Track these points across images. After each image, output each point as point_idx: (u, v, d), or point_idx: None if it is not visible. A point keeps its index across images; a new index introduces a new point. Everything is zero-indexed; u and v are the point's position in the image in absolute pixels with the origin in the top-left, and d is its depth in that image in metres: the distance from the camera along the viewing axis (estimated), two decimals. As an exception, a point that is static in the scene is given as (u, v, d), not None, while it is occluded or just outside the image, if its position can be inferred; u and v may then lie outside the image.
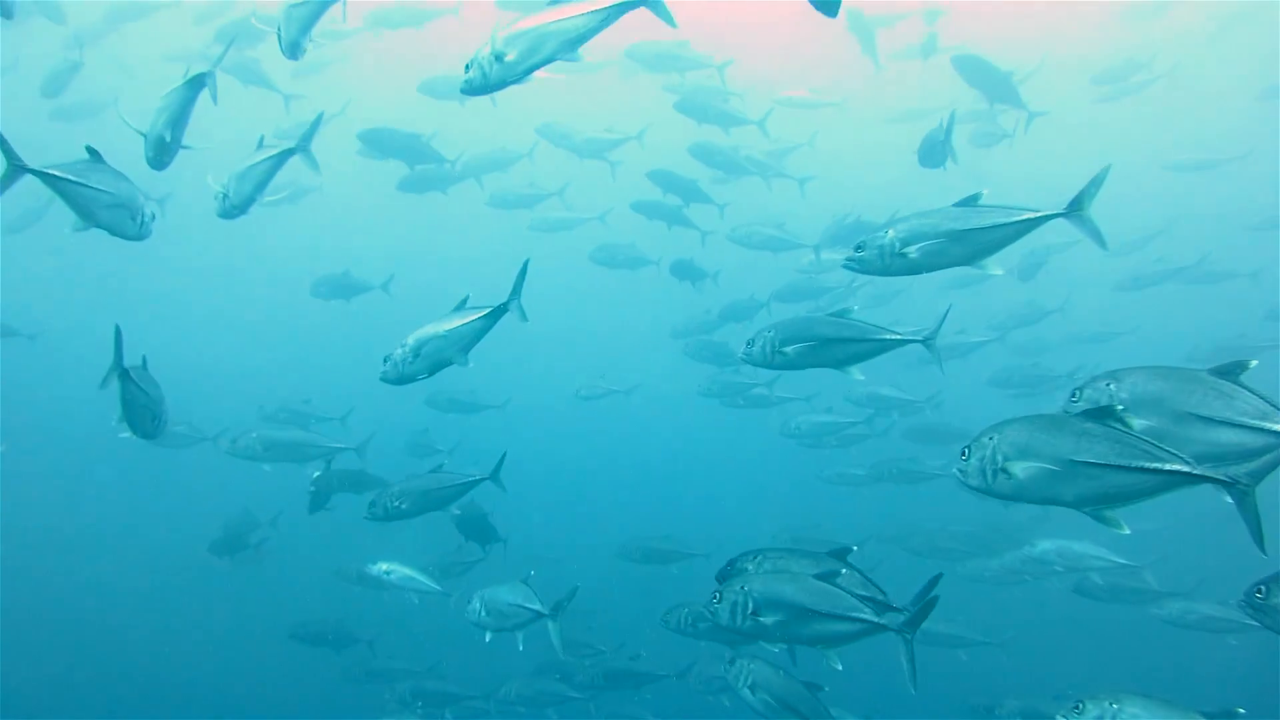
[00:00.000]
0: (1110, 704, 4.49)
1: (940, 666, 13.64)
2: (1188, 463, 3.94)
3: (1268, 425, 4.01)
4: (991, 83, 12.55)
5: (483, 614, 8.01)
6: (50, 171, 5.74)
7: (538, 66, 5.34)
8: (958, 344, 14.10)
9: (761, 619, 5.00)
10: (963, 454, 4.40)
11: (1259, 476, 3.94)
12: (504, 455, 8.34)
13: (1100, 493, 4.07)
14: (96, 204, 5.93)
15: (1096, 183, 5.17)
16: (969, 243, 5.35)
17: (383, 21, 16.11)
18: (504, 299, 6.45)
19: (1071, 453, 4.04)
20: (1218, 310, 16.77)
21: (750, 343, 6.21)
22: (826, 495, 14.57)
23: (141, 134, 6.54)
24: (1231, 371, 4.17)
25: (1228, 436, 4.07)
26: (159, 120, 6.55)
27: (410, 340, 6.46)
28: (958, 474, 4.44)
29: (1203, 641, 11.50)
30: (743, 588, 5.11)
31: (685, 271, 14.00)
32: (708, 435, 21.83)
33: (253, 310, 26.53)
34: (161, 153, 6.61)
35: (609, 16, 5.21)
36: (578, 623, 12.46)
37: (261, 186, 6.98)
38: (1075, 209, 5.27)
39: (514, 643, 8.33)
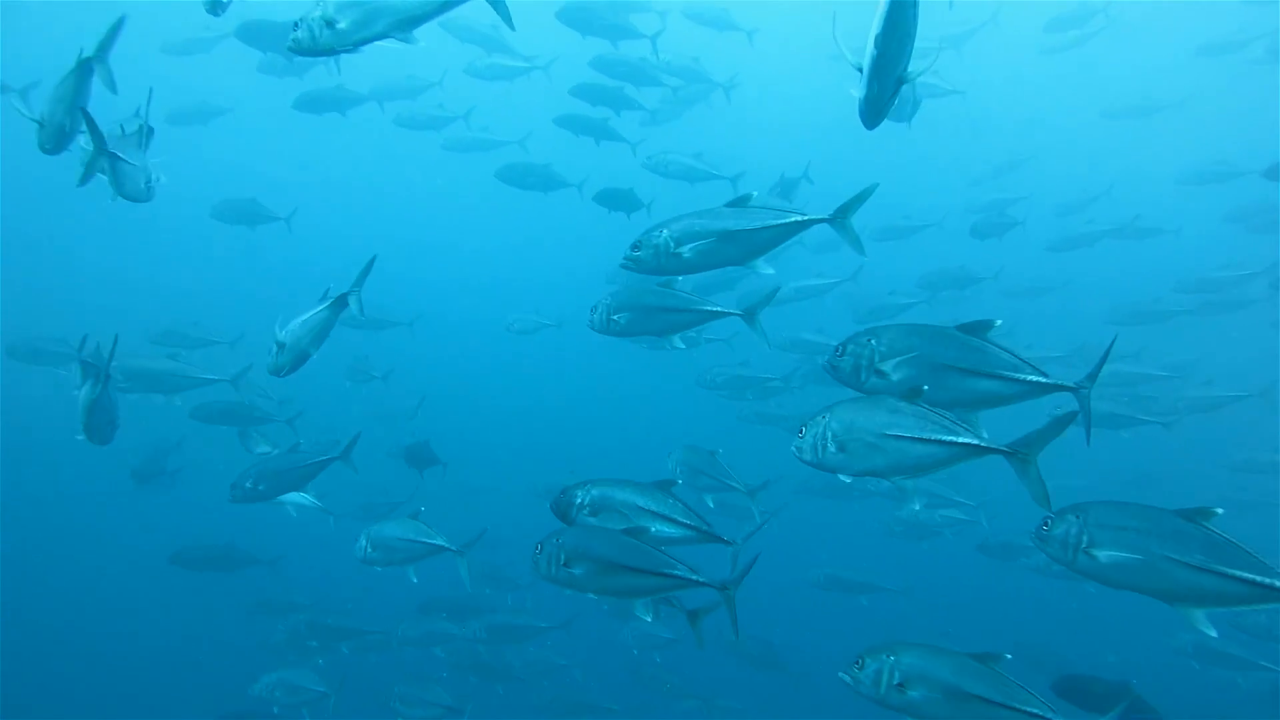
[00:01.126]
0: (888, 656, 4.67)
1: (844, 610, 14.04)
2: (979, 436, 4.54)
3: (1021, 376, 4.63)
4: None
5: (369, 551, 8.06)
6: (116, 154, 6.17)
7: (370, 40, 5.33)
8: (887, 304, 14.11)
9: (573, 570, 5.21)
10: (800, 431, 4.80)
11: (1040, 446, 4.48)
12: (358, 435, 8.64)
13: (907, 463, 4.62)
14: (130, 177, 6.33)
15: (861, 197, 5.47)
16: (739, 243, 5.67)
17: None
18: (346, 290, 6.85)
19: (885, 428, 4.58)
20: (1145, 267, 17.05)
21: (592, 310, 6.52)
22: (748, 436, 14.67)
23: (37, 121, 6.45)
24: (978, 329, 4.73)
25: (985, 386, 4.67)
26: (58, 109, 6.40)
27: (278, 334, 6.84)
28: (794, 451, 4.84)
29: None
30: (557, 540, 5.29)
31: (617, 200, 12.89)
32: (636, 374, 21.85)
33: (157, 230, 25.68)
34: (60, 141, 6.52)
35: (447, 2, 5.28)
36: (484, 557, 12.54)
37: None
38: (840, 216, 5.54)
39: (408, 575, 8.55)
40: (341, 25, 5.23)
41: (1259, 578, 3.98)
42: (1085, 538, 4.23)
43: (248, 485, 8.41)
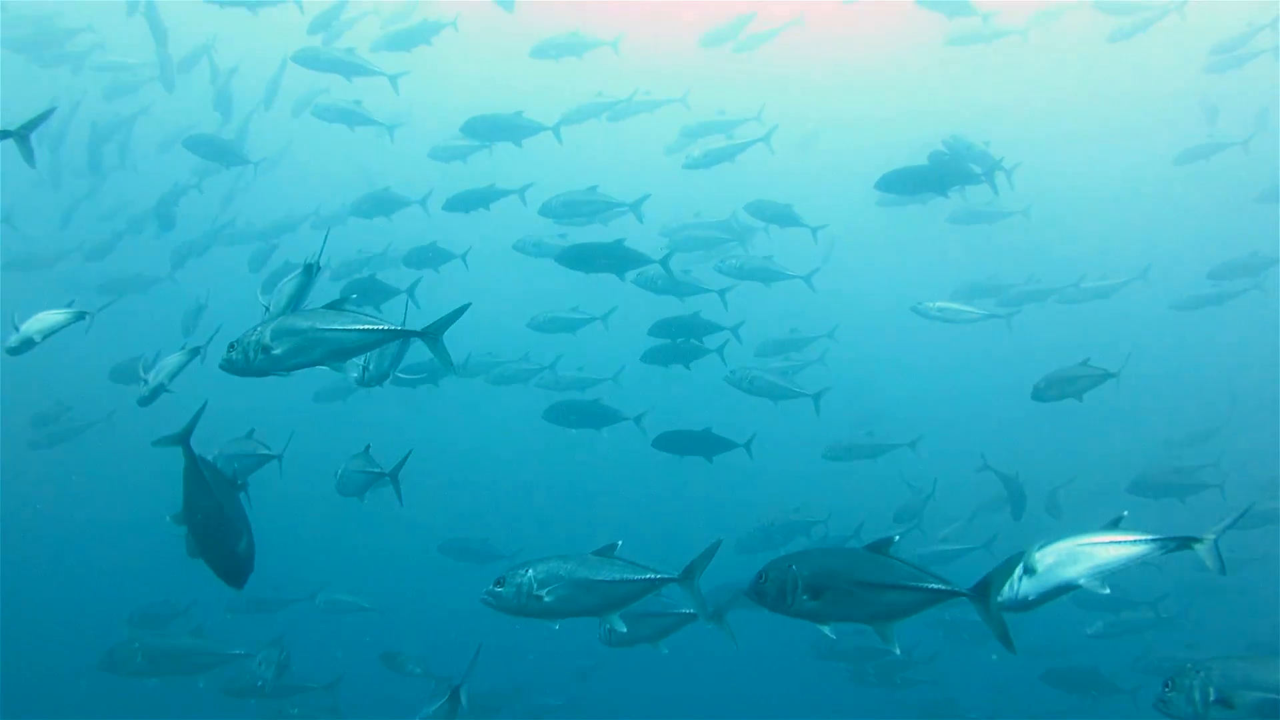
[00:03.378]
0: None
1: None
2: None
3: (925, 585, 5.01)
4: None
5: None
6: None
7: (302, 367, 5.83)
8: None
9: None
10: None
11: None
12: None
13: None
14: None
15: (708, 555, 5.82)
16: (598, 594, 5.78)
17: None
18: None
19: None
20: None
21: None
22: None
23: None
24: (882, 546, 5.12)
25: (894, 597, 5.02)
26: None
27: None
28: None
29: None
30: None
31: (686, 444, 12.10)
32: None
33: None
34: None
35: (382, 338, 5.97)
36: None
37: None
38: (686, 576, 5.81)
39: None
40: (276, 351, 5.68)
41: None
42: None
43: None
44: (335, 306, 5.93)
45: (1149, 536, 5.23)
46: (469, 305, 5.95)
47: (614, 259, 11.97)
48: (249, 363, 5.66)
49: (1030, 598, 5.14)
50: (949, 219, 17.61)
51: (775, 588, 5.06)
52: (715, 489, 16.88)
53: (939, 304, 13.45)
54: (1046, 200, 19.05)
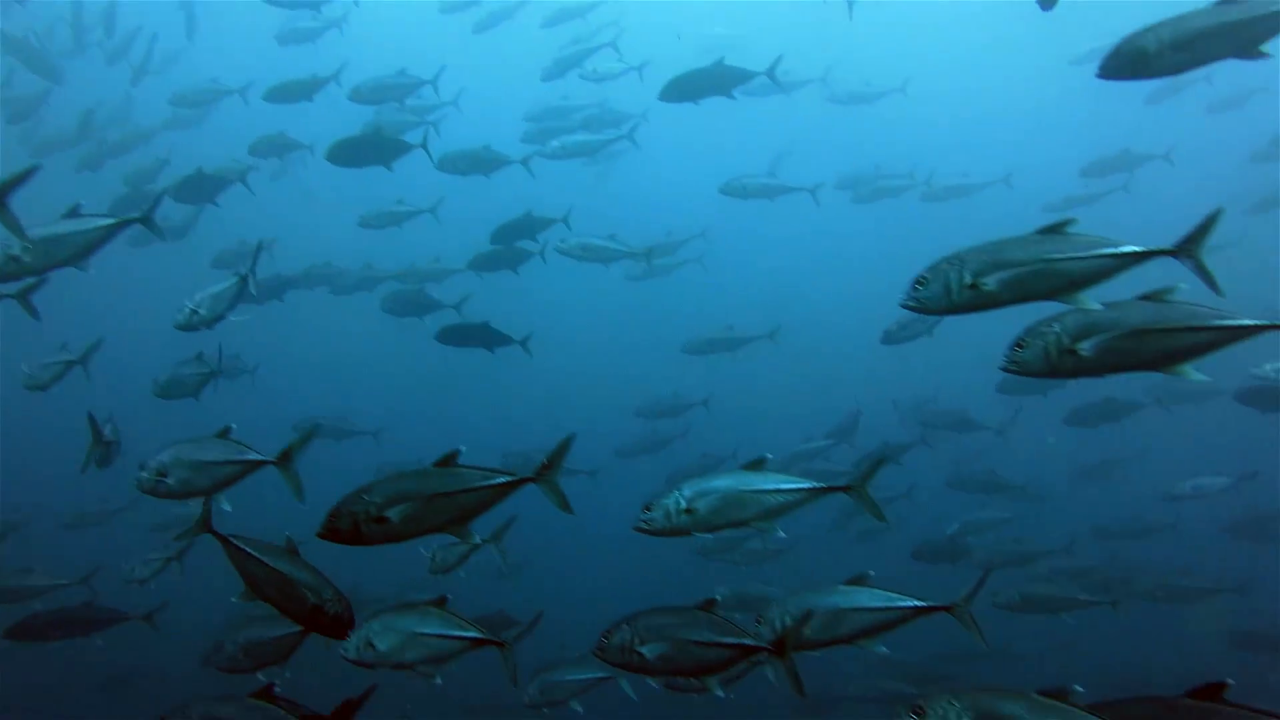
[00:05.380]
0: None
1: None
2: None
3: (492, 483, 5.58)
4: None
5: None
6: None
7: (51, 269, 6.50)
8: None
9: None
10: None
11: None
12: None
13: None
14: None
15: None
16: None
17: None
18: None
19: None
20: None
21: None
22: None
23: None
24: (450, 460, 5.60)
25: (464, 499, 5.54)
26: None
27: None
28: None
29: None
30: None
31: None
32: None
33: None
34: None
35: (107, 238, 6.66)
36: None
37: None
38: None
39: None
40: (26, 260, 6.28)
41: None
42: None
43: None
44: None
45: (808, 484, 5.68)
46: None
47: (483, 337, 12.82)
48: None
49: (693, 530, 5.68)
50: (828, 98, 17.77)
51: (348, 522, 5.37)
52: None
53: (748, 179, 13.58)
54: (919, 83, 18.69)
